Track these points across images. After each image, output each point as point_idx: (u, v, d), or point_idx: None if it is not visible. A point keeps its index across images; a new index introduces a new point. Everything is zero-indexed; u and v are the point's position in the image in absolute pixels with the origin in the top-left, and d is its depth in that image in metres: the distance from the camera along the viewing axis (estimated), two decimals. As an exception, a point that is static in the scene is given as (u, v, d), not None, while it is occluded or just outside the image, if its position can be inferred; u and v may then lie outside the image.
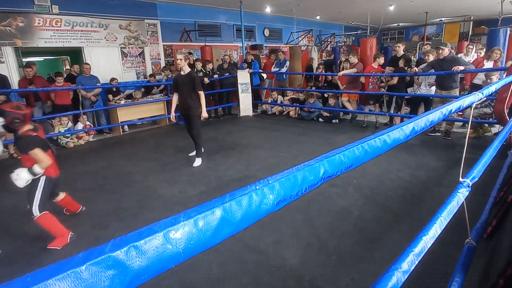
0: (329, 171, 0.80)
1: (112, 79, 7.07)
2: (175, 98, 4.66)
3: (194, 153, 4.80)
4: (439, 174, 3.87)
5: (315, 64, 9.12)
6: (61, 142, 6.01)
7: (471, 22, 12.44)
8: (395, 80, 5.95)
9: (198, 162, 4.57)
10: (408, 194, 3.34)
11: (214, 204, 0.59)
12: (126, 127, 7.27)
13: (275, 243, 2.57)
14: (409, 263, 1.36)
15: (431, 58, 5.59)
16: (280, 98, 8.45)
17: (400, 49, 6.17)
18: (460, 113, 5.44)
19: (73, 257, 0.44)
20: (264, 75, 8.86)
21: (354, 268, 2.23)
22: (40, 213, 2.64)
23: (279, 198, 0.69)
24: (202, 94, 4.41)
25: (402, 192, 3.40)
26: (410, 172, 3.94)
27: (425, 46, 7.73)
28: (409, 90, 6.21)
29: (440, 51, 5.18)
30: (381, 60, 6.32)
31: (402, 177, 3.78)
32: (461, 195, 1.65)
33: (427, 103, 5.98)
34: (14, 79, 6.22)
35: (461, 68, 4.84)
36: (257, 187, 0.66)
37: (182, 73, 4.42)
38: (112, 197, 3.64)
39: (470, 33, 12.86)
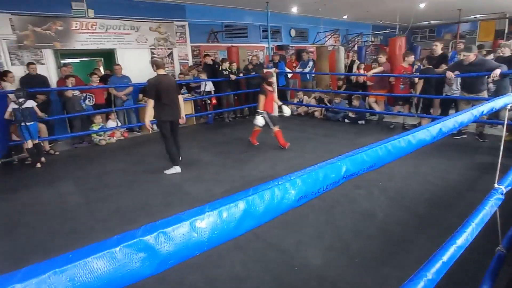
0: (351, 169, 0.80)
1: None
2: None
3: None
4: (471, 179, 3.70)
5: (355, 64, 8.92)
6: (94, 140, 6.31)
7: (507, 20, 11.77)
8: (420, 84, 5.75)
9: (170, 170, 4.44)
10: (436, 198, 3.22)
11: (237, 197, 0.61)
12: (155, 125, 7.49)
13: (298, 243, 2.57)
14: (437, 271, 1.33)
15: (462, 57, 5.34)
16: (305, 98, 8.40)
17: (438, 47, 5.91)
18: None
19: (109, 239, 0.48)
20: (289, 75, 8.83)
21: (378, 272, 2.19)
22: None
23: (300, 194, 0.70)
24: (148, 102, 4.26)
25: (430, 196, 3.28)
26: (439, 175, 3.79)
27: (459, 45, 7.41)
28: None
29: (465, 58, 4.91)
30: (411, 59, 6.11)
31: (430, 181, 3.65)
32: (495, 202, 1.58)
33: (458, 105, 5.72)
34: (53, 79, 6.63)
35: (497, 72, 4.58)
36: (279, 183, 0.68)
37: None
38: (141, 193, 3.79)
39: (506, 31, 12.15)
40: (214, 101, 7.81)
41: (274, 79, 5.34)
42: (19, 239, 2.88)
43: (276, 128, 5.20)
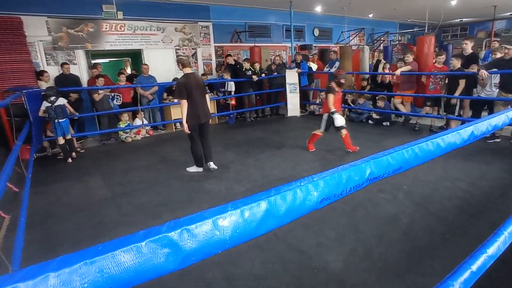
0: (375, 172, 0.78)
1: (175, 80, 7.50)
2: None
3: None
4: (504, 185, 3.51)
5: (381, 64, 8.66)
6: (121, 137, 6.53)
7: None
8: (461, 85, 5.44)
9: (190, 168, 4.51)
10: (466, 205, 3.08)
11: (260, 197, 0.62)
12: (178, 124, 7.65)
13: (318, 245, 2.55)
14: (465, 280, 1.27)
15: (499, 56, 5.06)
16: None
17: (468, 46, 5.62)
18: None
19: (135, 233, 0.50)
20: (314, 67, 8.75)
21: (401, 278, 2.13)
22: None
23: (323, 196, 0.70)
24: (181, 102, 4.06)
25: (459, 202, 3.14)
26: (470, 181, 3.62)
27: (494, 43, 7.03)
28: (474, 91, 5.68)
29: (506, 51, 4.66)
30: (443, 58, 5.84)
31: (460, 186, 3.49)
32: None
33: (492, 106, 5.42)
34: (84, 79, 6.92)
35: None
36: (302, 184, 0.67)
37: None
38: (163, 189, 3.88)
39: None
40: (233, 102, 7.83)
41: (345, 81, 5.06)
42: (50, 229, 3.04)
43: (319, 133, 5.04)
